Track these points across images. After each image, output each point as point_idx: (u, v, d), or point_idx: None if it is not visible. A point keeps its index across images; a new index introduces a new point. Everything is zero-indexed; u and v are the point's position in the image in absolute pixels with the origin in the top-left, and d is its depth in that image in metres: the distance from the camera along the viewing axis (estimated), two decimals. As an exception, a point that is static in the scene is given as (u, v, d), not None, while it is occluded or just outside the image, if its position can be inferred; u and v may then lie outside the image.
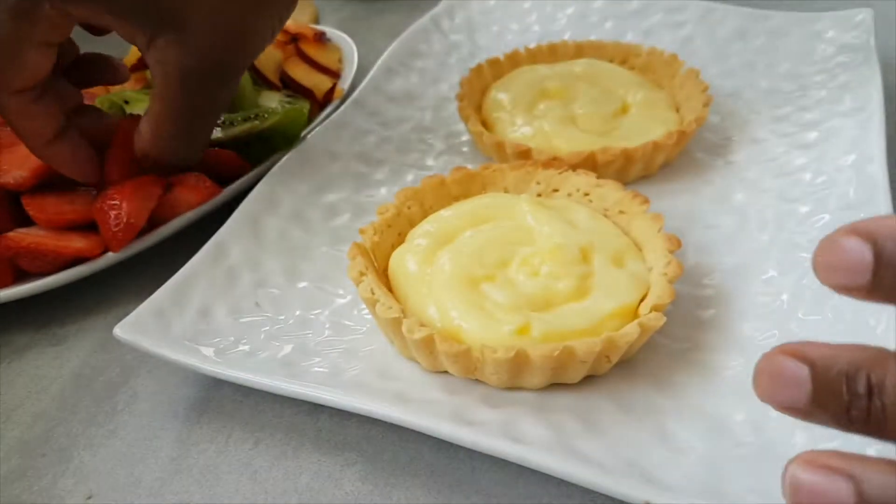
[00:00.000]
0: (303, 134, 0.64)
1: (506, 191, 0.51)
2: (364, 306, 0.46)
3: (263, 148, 0.63)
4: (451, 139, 0.64)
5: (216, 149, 0.60)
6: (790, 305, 0.41)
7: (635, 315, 0.40)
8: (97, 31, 0.54)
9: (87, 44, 0.54)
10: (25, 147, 0.51)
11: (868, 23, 0.64)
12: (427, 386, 0.40)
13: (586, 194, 0.49)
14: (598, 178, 0.49)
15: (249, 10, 0.47)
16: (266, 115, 0.62)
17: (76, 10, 0.44)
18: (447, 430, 0.35)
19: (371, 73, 0.69)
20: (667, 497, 0.31)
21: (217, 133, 0.61)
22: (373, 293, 0.41)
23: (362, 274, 0.42)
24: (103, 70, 0.56)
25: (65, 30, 0.46)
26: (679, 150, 0.57)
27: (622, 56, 0.66)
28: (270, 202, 0.54)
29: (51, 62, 0.47)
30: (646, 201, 0.47)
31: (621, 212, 0.47)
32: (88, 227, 0.55)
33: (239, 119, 0.62)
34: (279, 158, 0.58)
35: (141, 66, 0.76)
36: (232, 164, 0.61)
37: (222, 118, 0.63)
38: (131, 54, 0.78)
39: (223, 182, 0.60)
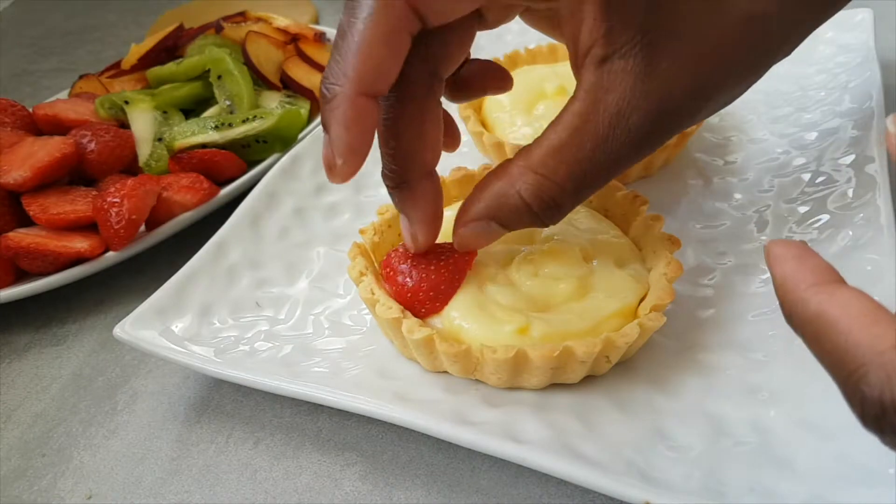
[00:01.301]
0: (303, 134, 0.64)
1: (506, 191, 0.51)
2: (364, 306, 0.46)
3: (262, 149, 0.63)
4: (450, 139, 0.64)
5: (214, 150, 0.60)
6: (790, 305, 0.41)
7: (635, 315, 0.40)
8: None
9: (78, 36, 0.53)
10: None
11: (868, 23, 0.64)
12: (427, 386, 0.40)
13: (586, 194, 0.49)
14: (597, 178, 0.49)
15: (730, 63, 0.33)
16: (264, 117, 0.62)
17: None
18: (447, 430, 0.35)
19: (371, 73, 0.69)
20: (666, 497, 0.31)
21: (215, 135, 0.62)
22: (373, 293, 0.41)
23: (362, 274, 0.42)
24: (491, 76, 0.44)
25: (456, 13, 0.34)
26: (679, 151, 0.57)
27: (622, 56, 0.66)
28: (270, 202, 0.54)
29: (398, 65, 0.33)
30: (646, 201, 0.47)
31: (621, 212, 0.47)
32: (89, 227, 0.55)
33: (237, 121, 0.62)
34: (278, 159, 0.58)
35: (141, 66, 0.76)
36: (230, 165, 0.61)
37: (221, 121, 0.63)
38: (131, 54, 0.78)
39: (222, 183, 0.60)
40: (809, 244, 0.45)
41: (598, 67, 0.32)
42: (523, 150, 0.34)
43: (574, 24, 0.32)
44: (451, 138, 0.43)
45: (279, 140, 0.62)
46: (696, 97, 0.32)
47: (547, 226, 0.35)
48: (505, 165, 0.35)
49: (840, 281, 0.26)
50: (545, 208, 0.34)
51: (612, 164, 0.33)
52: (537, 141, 0.34)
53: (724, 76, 0.33)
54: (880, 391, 0.23)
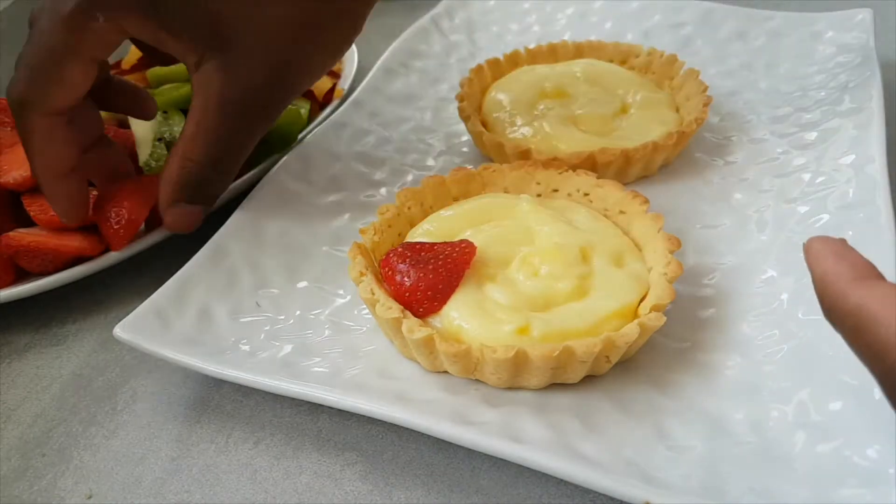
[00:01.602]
0: (303, 134, 0.64)
1: (506, 191, 0.51)
2: (364, 306, 0.46)
3: (262, 149, 0.63)
4: (451, 139, 0.64)
5: None
6: (790, 305, 0.41)
7: (635, 315, 0.40)
8: (148, 50, 0.52)
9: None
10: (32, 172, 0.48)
11: (868, 23, 0.64)
12: (427, 386, 0.40)
13: (586, 194, 0.49)
14: (598, 178, 0.49)
15: (304, 43, 0.45)
16: None
17: (129, 25, 0.42)
18: (447, 430, 0.35)
19: (371, 73, 0.69)
20: (666, 497, 0.31)
21: None
22: (373, 293, 0.41)
23: (362, 274, 0.42)
24: (132, 100, 0.54)
25: (113, 46, 0.43)
26: (679, 151, 0.57)
27: (622, 56, 0.66)
28: (270, 202, 0.54)
29: (90, 81, 0.44)
30: (646, 201, 0.47)
31: (621, 212, 0.48)
32: (88, 227, 0.55)
33: (239, 119, 0.62)
34: (278, 159, 0.58)
35: (141, 66, 0.76)
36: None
37: None
38: (131, 54, 0.78)
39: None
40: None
41: (196, 72, 0.44)
42: (176, 143, 0.46)
43: (175, 48, 0.44)
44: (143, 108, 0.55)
45: (279, 140, 0.62)
46: (272, 81, 0.45)
47: (211, 195, 0.48)
48: (167, 161, 0.47)
49: (880, 276, 0.27)
50: (194, 182, 0.46)
51: (227, 141, 0.46)
52: (182, 134, 0.46)
53: (282, 66, 0.46)
54: None
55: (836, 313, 0.27)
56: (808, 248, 0.29)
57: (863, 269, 0.27)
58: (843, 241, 0.29)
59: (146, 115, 0.55)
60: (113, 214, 0.52)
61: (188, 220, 0.48)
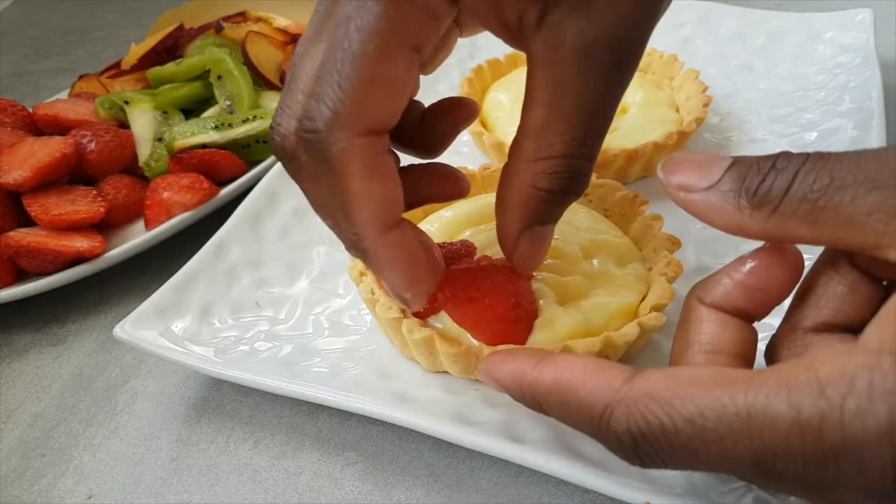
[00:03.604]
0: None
1: (506, 191, 0.51)
2: (364, 306, 0.46)
3: (262, 149, 0.63)
4: (450, 139, 0.64)
5: (214, 150, 0.60)
6: (789, 305, 0.41)
7: (635, 315, 0.40)
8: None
9: (78, 36, 0.53)
10: (341, 236, 0.31)
11: (868, 23, 0.64)
12: (427, 386, 0.40)
13: (586, 194, 0.49)
14: (598, 178, 0.49)
15: None
16: (263, 117, 0.62)
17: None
18: (447, 430, 0.35)
19: (371, 73, 0.69)
20: (666, 497, 0.31)
21: (215, 135, 0.62)
22: (373, 293, 0.41)
23: (362, 274, 0.42)
24: (442, 180, 0.37)
25: (440, 25, 0.30)
26: (679, 151, 0.57)
27: (622, 56, 0.66)
28: (270, 202, 0.54)
29: (414, 86, 0.30)
30: (645, 201, 0.47)
31: (621, 212, 0.47)
32: (89, 227, 0.55)
33: (238, 121, 0.63)
34: (275, 161, 0.58)
35: (141, 66, 0.76)
36: (230, 165, 0.61)
37: (220, 121, 0.63)
38: (131, 54, 0.78)
39: (222, 183, 0.60)
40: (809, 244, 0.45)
41: (539, 29, 0.30)
42: (513, 148, 0.32)
43: (496, 5, 0.30)
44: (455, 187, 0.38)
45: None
46: (644, 10, 0.31)
47: (581, 195, 0.33)
48: (506, 173, 0.32)
49: (550, 354, 0.29)
50: (567, 185, 0.32)
51: (597, 109, 0.31)
52: (521, 132, 0.31)
53: None
54: (626, 424, 0.25)
55: (539, 399, 0.29)
56: (483, 371, 0.32)
57: (535, 354, 0.30)
58: (507, 350, 0.32)
59: (456, 195, 0.38)
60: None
61: (542, 248, 0.34)
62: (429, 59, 0.35)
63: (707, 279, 0.31)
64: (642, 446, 0.25)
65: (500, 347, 0.37)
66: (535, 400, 0.29)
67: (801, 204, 0.25)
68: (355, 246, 0.30)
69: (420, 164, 0.37)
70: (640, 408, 0.24)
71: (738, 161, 0.27)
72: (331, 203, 0.29)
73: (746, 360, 0.30)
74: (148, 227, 0.56)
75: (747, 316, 0.30)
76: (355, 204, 0.29)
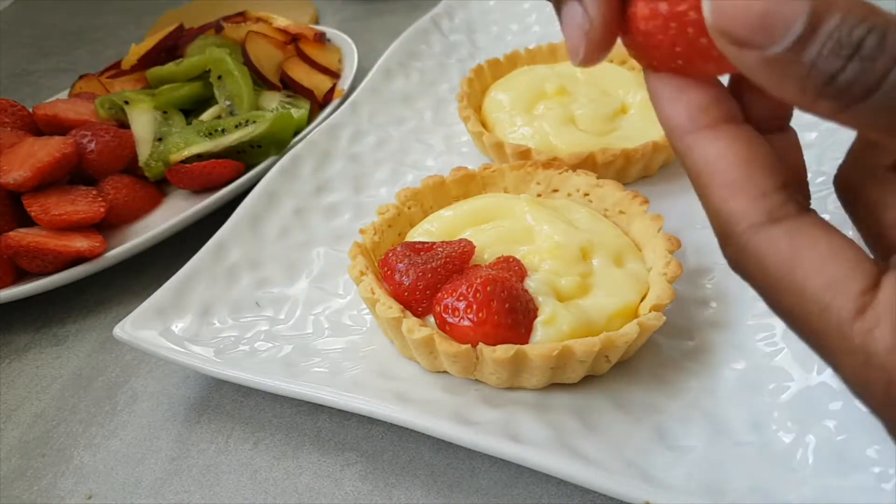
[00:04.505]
0: (303, 134, 0.64)
1: (506, 191, 0.51)
2: (364, 306, 0.46)
3: (257, 153, 0.62)
4: (450, 139, 0.64)
5: (211, 161, 0.60)
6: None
7: (635, 315, 0.40)
8: None
9: (78, 36, 0.53)
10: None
11: (867, 23, 0.64)
12: (427, 386, 0.40)
13: (586, 194, 0.49)
14: (597, 178, 0.49)
15: None
16: (256, 121, 0.62)
17: None
18: (447, 430, 0.35)
19: (371, 73, 0.69)
20: (666, 497, 0.31)
21: (209, 144, 0.61)
22: (373, 292, 0.41)
23: (363, 273, 0.42)
24: None
25: None
26: (679, 151, 0.57)
27: (622, 56, 0.66)
28: (270, 202, 0.54)
29: None
30: (646, 201, 0.47)
31: (621, 212, 0.47)
32: (89, 227, 0.55)
33: (230, 127, 0.62)
34: (278, 159, 0.58)
35: (141, 66, 0.76)
36: (229, 172, 0.60)
37: (213, 126, 0.63)
38: (131, 54, 0.78)
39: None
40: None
41: None
42: None
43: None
44: None
45: (273, 144, 0.62)
46: None
47: None
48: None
49: (723, 119, 0.23)
50: None
51: None
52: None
53: None
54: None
55: (685, 163, 0.24)
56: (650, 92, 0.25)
57: (700, 111, 0.23)
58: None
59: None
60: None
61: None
62: None
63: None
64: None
65: (499, 347, 0.37)
66: (686, 160, 0.24)
67: (892, 114, 0.19)
68: None
69: None
70: None
71: (813, 22, 0.19)
72: None
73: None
74: (147, 227, 0.56)
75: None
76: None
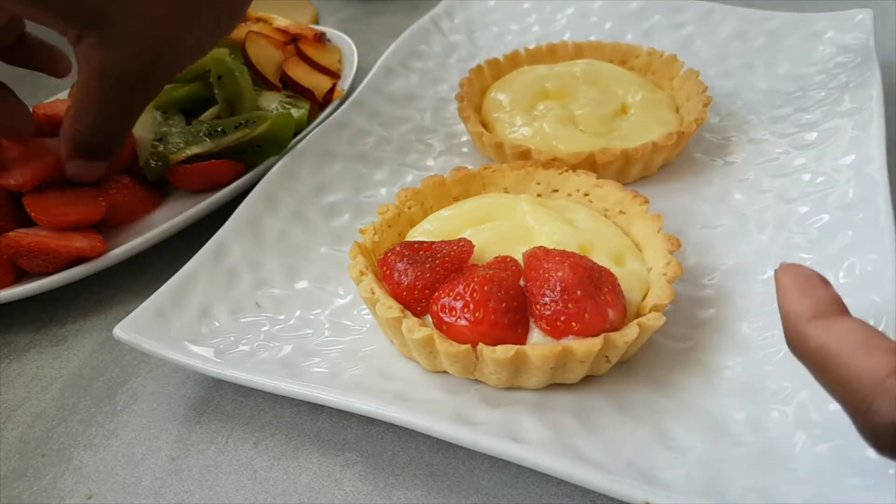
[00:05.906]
0: (303, 134, 0.64)
1: (506, 191, 0.51)
2: (364, 306, 0.46)
3: (257, 154, 0.62)
4: (450, 139, 0.64)
5: (212, 161, 0.60)
6: None
7: (635, 315, 0.40)
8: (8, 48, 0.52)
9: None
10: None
11: (867, 23, 0.64)
12: (427, 386, 0.40)
13: (586, 194, 0.49)
14: (597, 178, 0.49)
15: (180, 24, 0.46)
16: (255, 122, 0.62)
17: (7, 3, 0.43)
18: (447, 430, 0.35)
19: (371, 73, 0.69)
20: (666, 497, 0.31)
21: (209, 144, 0.61)
22: (373, 292, 0.41)
23: (363, 273, 0.42)
24: (47, 58, 0.56)
25: None
26: (678, 151, 0.57)
27: (622, 57, 0.66)
28: (270, 202, 0.54)
29: None
30: (646, 201, 0.47)
31: (621, 212, 0.48)
32: (89, 227, 0.55)
33: (230, 127, 0.62)
34: (277, 159, 0.58)
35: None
36: (229, 172, 0.60)
37: (213, 126, 0.63)
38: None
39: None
40: (809, 244, 0.45)
41: (78, 45, 0.44)
42: (71, 100, 0.47)
43: (55, 24, 0.44)
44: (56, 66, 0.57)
45: (273, 144, 0.62)
46: (151, 59, 0.45)
47: (108, 149, 0.48)
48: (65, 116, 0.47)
49: (840, 312, 0.28)
50: (84, 142, 0.47)
51: (113, 110, 0.46)
52: (74, 96, 0.46)
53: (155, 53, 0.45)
54: (890, 417, 0.24)
55: (800, 352, 0.28)
56: (776, 281, 0.30)
57: (824, 305, 0.28)
58: (809, 273, 0.29)
59: (59, 73, 0.57)
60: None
61: (88, 173, 0.49)
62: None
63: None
64: None
65: (499, 347, 0.37)
66: (795, 350, 0.28)
67: None
68: None
69: (38, 40, 0.55)
70: None
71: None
72: None
73: None
74: (147, 227, 0.56)
75: None
76: None
